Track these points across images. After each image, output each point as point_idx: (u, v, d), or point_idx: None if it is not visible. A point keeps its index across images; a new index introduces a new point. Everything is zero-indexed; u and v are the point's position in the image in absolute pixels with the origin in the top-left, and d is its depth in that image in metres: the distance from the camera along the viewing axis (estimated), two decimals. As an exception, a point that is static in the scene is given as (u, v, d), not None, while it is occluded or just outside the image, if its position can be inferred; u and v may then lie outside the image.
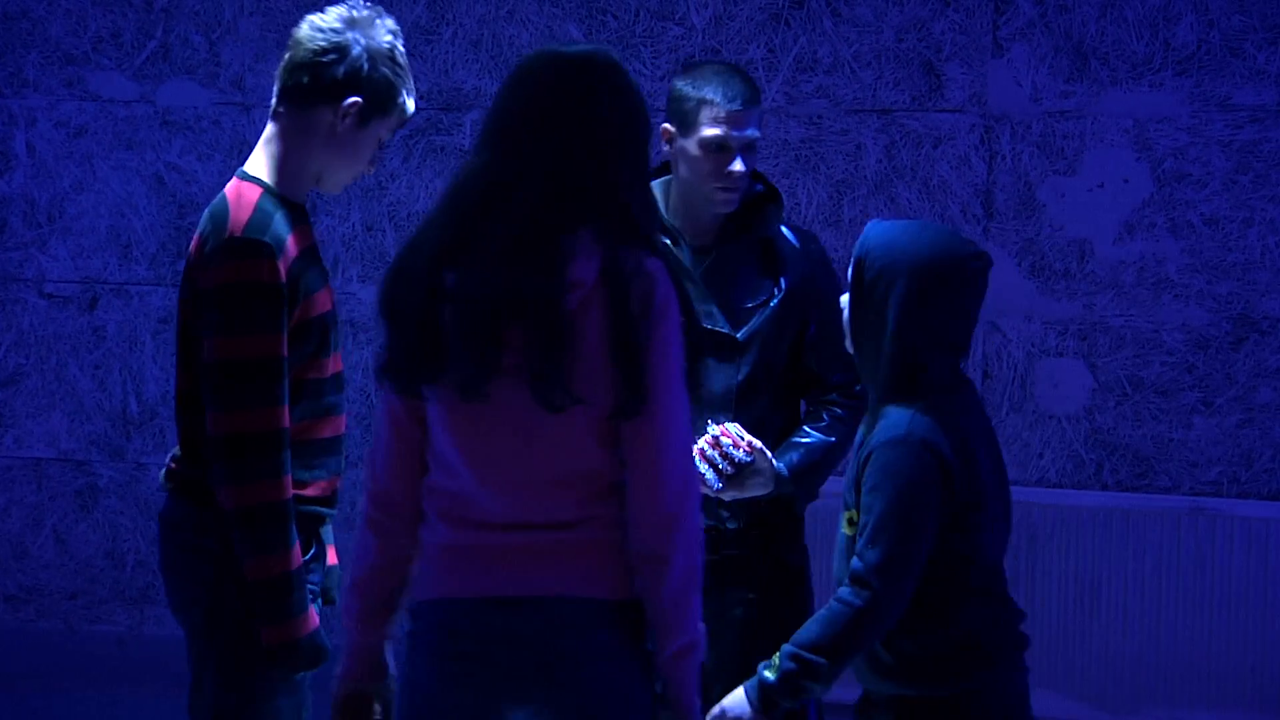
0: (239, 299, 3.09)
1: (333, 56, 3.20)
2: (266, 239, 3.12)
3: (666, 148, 3.76)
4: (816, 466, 3.73)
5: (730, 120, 3.64)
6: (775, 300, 3.73)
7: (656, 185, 3.72)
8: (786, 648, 3.07)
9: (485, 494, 2.79)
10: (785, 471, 3.67)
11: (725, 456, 3.58)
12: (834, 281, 3.79)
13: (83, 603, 5.89)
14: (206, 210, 3.22)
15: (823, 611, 3.07)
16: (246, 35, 5.66)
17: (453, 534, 2.82)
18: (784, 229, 3.81)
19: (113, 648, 5.86)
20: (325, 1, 3.30)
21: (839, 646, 3.04)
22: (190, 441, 3.24)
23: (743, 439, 3.59)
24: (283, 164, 3.24)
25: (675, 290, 2.78)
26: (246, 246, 3.11)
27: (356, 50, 3.20)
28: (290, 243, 3.16)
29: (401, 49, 3.27)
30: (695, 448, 3.44)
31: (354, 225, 5.70)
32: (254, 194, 3.18)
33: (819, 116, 5.44)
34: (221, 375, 3.10)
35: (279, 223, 3.15)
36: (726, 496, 3.63)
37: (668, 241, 3.64)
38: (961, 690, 3.09)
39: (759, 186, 3.79)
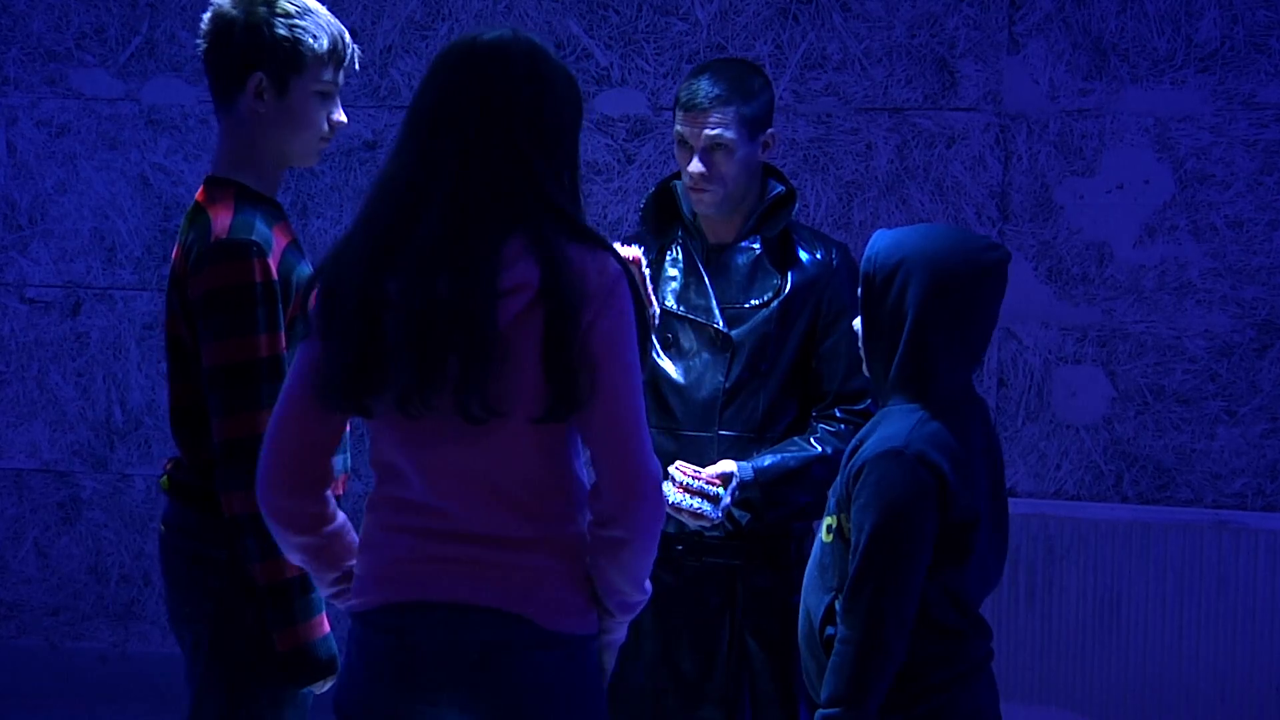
0: (233, 302, 3.08)
1: (220, 42, 3.19)
2: (254, 238, 3.12)
3: None
4: (791, 474, 3.71)
5: (688, 119, 3.71)
6: (777, 302, 3.76)
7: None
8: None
9: (436, 500, 2.78)
10: (750, 473, 3.66)
11: (701, 492, 3.64)
12: (854, 291, 3.78)
13: (65, 619, 5.88)
14: (184, 218, 3.23)
15: (831, 660, 3.03)
16: (235, 31, 5.61)
17: (404, 547, 2.81)
18: (805, 232, 3.87)
19: (96, 665, 5.86)
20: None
21: (854, 691, 2.99)
22: (191, 452, 3.22)
23: (699, 473, 3.66)
24: (241, 160, 3.24)
25: (625, 278, 2.77)
26: (235, 248, 3.10)
27: (237, 27, 3.17)
28: (275, 239, 3.16)
29: None
30: (677, 488, 3.60)
31: (346, 228, 5.61)
32: (229, 195, 3.19)
33: (828, 115, 5.42)
34: (223, 380, 3.09)
35: (261, 221, 3.15)
36: (723, 517, 3.68)
37: (681, 236, 3.84)
38: (919, 712, 3.06)
39: (780, 187, 3.84)
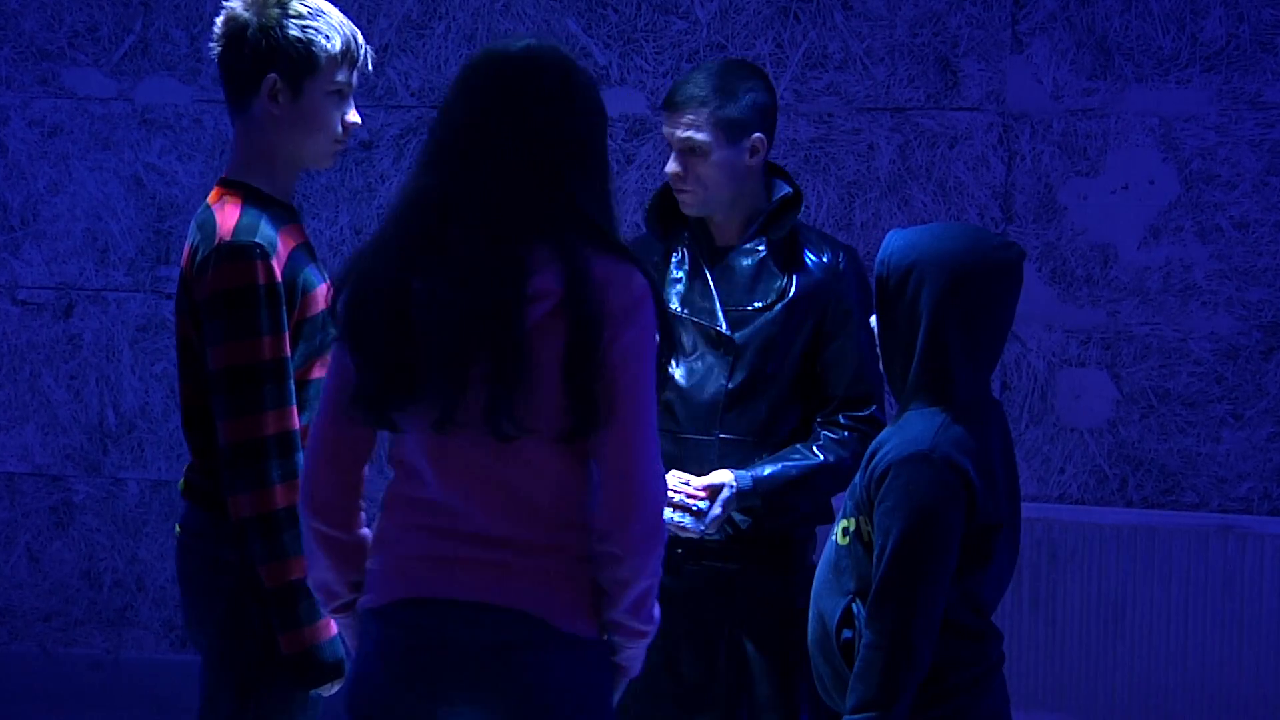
0: (236, 304, 3.11)
1: (234, 46, 3.22)
2: (257, 240, 3.13)
3: None
4: (793, 483, 3.69)
5: (667, 117, 3.75)
6: (781, 305, 3.74)
7: None
8: None
9: (455, 502, 2.80)
10: (749, 483, 3.64)
11: (683, 506, 3.64)
12: (861, 295, 3.79)
13: (57, 624, 5.87)
14: (193, 222, 3.25)
15: (858, 664, 3.01)
16: (230, 30, 5.60)
17: (420, 545, 2.83)
18: (813, 235, 3.85)
19: (89, 672, 5.84)
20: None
21: (884, 695, 2.97)
22: (202, 454, 3.25)
23: (688, 484, 3.65)
24: (254, 163, 3.27)
25: (651, 293, 2.76)
26: (238, 250, 3.12)
27: (250, 30, 3.20)
28: (281, 241, 3.18)
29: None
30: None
31: (342, 228, 5.69)
32: (237, 198, 3.22)
33: (829, 115, 5.40)
34: (227, 383, 3.12)
35: (267, 223, 3.17)
36: (714, 530, 3.65)
37: (687, 238, 3.83)
38: (939, 714, 3.05)
39: (787, 189, 3.82)
